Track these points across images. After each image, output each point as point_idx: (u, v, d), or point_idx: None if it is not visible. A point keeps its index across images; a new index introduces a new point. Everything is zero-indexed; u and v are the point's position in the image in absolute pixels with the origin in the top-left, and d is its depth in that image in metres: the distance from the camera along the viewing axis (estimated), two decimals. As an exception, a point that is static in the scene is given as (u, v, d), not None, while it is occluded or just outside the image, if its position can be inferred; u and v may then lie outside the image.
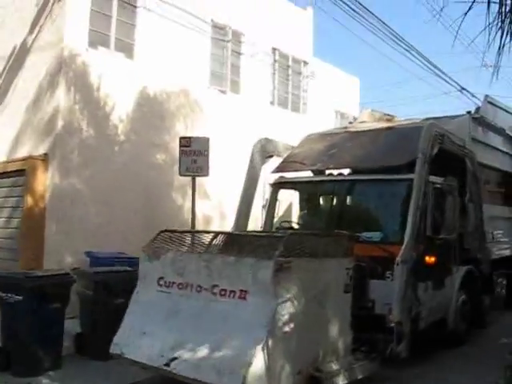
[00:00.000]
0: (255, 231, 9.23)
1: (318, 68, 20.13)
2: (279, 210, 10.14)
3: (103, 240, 11.68)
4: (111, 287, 8.12)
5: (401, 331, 7.35)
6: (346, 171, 10.15)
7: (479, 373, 7.64)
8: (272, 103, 18.07)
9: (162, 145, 14.14)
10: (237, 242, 6.62)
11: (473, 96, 21.08)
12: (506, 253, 12.34)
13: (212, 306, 6.10)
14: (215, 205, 15.02)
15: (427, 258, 8.19)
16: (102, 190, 12.36)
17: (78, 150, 12.20)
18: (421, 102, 72.81)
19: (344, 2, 14.42)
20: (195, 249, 6.75)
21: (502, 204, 12.46)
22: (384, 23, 16.11)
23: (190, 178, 11.61)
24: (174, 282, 6.55)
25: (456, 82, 21.22)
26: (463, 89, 21.05)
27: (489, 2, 4.18)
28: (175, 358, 5.89)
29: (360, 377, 6.75)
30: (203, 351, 5.74)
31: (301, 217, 10.23)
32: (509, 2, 4.18)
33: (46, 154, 11.76)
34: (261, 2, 17.35)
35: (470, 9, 4.25)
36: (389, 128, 10.00)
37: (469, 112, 11.14)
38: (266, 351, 5.46)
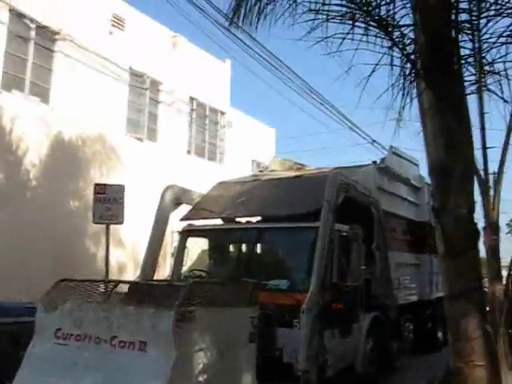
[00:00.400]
0: (160, 280, 8.91)
1: (235, 118, 20.23)
2: (189, 258, 9.83)
3: (12, 289, 11.01)
4: (18, 338, 7.56)
5: (308, 379, 7.17)
6: (255, 219, 10.01)
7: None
8: (189, 152, 17.97)
9: (77, 191, 13.71)
10: (138, 292, 6.29)
11: (383, 148, 21.66)
12: (413, 298, 12.44)
13: (111, 359, 5.71)
14: (130, 253, 14.61)
15: (334, 306, 8.06)
16: (12, 237, 11.76)
17: (-13, 196, 11.63)
18: (335, 152, 75.31)
19: (262, 57, 14.61)
20: (95, 299, 6.36)
21: (408, 251, 12.59)
22: (301, 78, 16.43)
23: (104, 226, 11.17)
24: (71, 334, 6.10)
25: (367, 135, 21.79)
26: (374, 141, 21.62)
27: (392, 65, 4.29)
28: (70, 415, 5.47)
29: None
30: (99, 407, 5.35)
31: (210, 265, 9.95)
32: (408, 65, 4.28)
33: (-49, 199, 11.12)
34: (180, 52, 17.36)
35: (373, 71, 4.32)
36: (297, 176, 9.99)
37: (374, 162, 11.30)
38: (164, 406, 5.14)
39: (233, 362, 6.22)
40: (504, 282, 5.10)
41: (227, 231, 9.87)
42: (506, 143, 3.65)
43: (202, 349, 5.66)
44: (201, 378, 5.62)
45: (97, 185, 10.97)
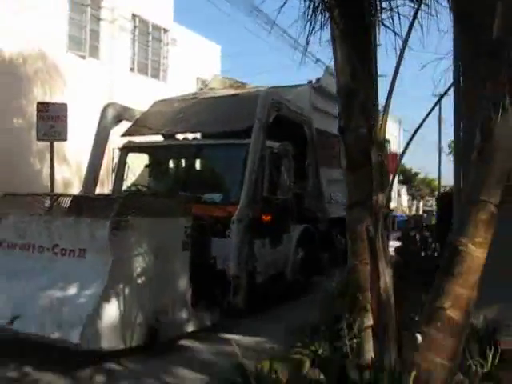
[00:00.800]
0: (100, 194, 9.33)
1: (179, 35, 20.16)
2: (132, 174, 10.19)
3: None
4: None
5: (237, 284, 7.84)
6: (192, 136, 10.39)
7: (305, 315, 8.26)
8: (132, 69, 17.98)
9: (19, 109, 13.76)
10: (78, 205, 6.75)
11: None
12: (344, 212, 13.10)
13: (53, 265, 6.24)
14: (75, 169, 14.90)
15: (264, 217, 8.66)
16: None
17: None
18: (280, 71, 75.28)
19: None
20: (37, 211, 6.80)
21: (340, 167, 13.16)
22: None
23: (48, 144, 11.43)
24: (15, 244, 6.59)
25: (312, 55, 22.04)
26: (318, 60, 21.95)
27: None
28: (17, 317, 5.98)
29: (203, 326, 7.16)
30: (45, 308, 5.89)
31: (149, 180, 10.37)
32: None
33: None
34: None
35: (283, 5, 4.65)
36: (234, 95, 10.34)
37: (310, 82, 11.70)
38: (103, 306, 5.73)
39: (168, 268, 6.79)
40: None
41: (165, 147, 10.25)
42: (396, 72, 4.14)
43: (138, 254, 6.22)
44: (139, 281, 6.22)
45: (39, 103, 11.20)
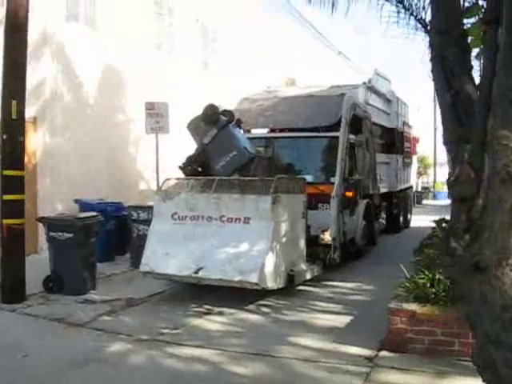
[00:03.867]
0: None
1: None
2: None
3: (84, 190, 12.63)
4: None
5: (335, 244, 10.08)
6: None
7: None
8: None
9: (124, 107, 15.05)
10: (235, 185, 8.86)
11: (347, 59, 24.63)
12: (385, 189, 15.42)
13: (222, 230, 8.36)
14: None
15: (347, 193, 10.85)
16: (80, 147, 13.13)
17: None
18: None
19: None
20: (202, 190, 8.90)
21: (383, 152, 15.66)
22: None
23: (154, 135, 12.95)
24: (186, 216, 8.63)
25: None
26: (340, 53, 24.51)
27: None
28: (201, 268, 8.12)
29: (313, 276, 9.41)
30: (225, 260, 8.03)
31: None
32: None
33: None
34: None
35: None
36: (311, 96, 12.43)
37: (364, 82, 13.96)
38: (268, 257, 7.94)
39: (296, 230, 8.97)
40: None
41: (268, 139, 11.92)
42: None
43: (283, 220, 8.42)
44: (283, 240, 8.41)
45: (147, 103, 13.10)
